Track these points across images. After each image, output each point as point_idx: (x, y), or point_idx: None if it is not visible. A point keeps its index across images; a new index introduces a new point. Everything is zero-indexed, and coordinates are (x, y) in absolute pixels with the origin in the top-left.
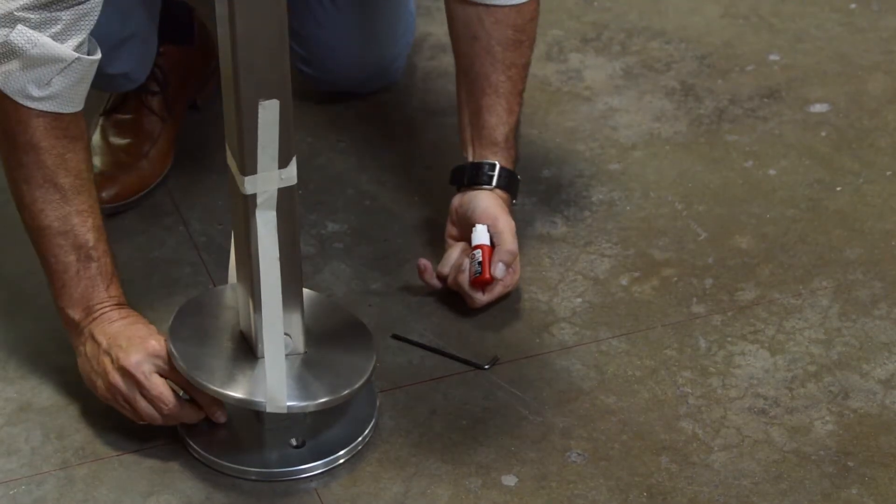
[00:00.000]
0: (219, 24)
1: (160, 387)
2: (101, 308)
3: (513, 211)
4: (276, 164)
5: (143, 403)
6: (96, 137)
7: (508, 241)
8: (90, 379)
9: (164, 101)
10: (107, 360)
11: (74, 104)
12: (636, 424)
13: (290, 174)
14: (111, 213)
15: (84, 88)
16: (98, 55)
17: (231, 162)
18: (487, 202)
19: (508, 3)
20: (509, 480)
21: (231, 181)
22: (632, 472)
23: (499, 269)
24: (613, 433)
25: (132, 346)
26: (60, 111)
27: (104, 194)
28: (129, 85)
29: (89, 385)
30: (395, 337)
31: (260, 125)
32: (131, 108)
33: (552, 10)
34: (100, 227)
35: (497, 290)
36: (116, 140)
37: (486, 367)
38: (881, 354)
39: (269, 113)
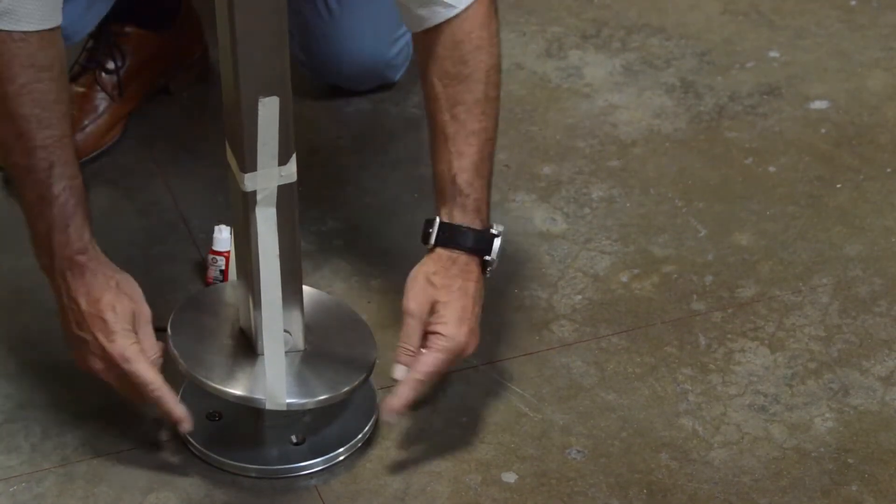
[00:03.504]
0: (218, 20)
1: (146, 373)
2: (67, 255)
3: (472, 270)
4: (276, 161)
5: (124, 385)
6: None
7: (422, 361)
8: (70, 334)
9: (117, 81)
10: (91, 337)
11: (35, 21)
12: (636, 421)
13: (290, 171)
14: None
15: (46, 3)
16: None
17: (231, 159)
18: (416, 274)
19: (436, 21)
20: (509, 477)
21: (231, 178)
22: (632, 469)
23: (398, 371)
24: (613, 430)
25: (115, 329)
26: (17, 29)
27: None
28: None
29: (68, 341)
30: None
31: (259, 122)
32: (84, 83)
33: (552, 7)
34: (67, 162)
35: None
36: None
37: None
38: (881, 351)
39: (268, 110)
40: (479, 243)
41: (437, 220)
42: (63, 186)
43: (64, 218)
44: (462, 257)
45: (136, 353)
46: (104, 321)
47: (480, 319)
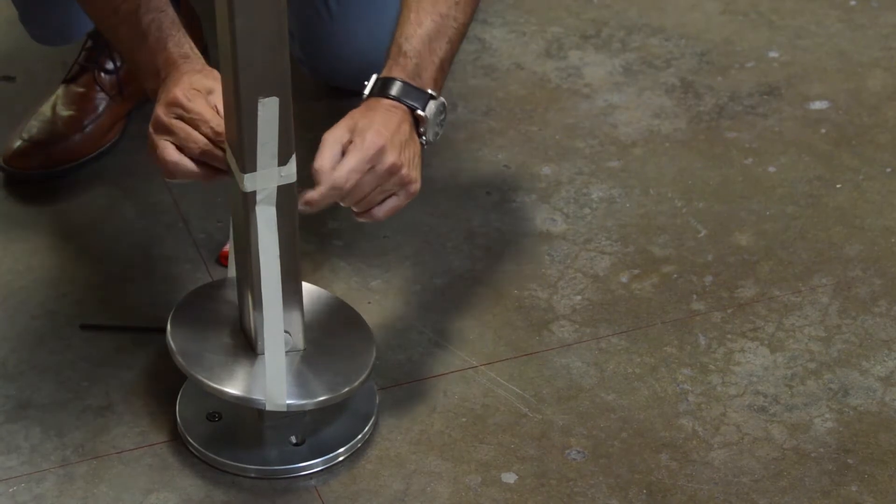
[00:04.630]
0: (218, 20)
1: (201, 106)
2: (170, 65)
3: (397, 111)
4: (276, 162)
5: (183, 132)
6: (47, 107)
7: (321, 154)
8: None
9: (116, 80)
10: (163, 94)
11: None
12: (636, 422)
13: (290, 171)
14: (35, 180)
15: None
16: None
17: (230, 159)
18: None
19: None
20: (509, 478)
21: (230, 178)
22: (631, 470)
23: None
24: (613, 430)
25: (185, 83)
26: None
27: (29, 160)
28: (59, 41)
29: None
30: (84, 327)
31: (259, 122)
32: (84, 83)
33: (552, 7)
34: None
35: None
36: (62, 111)
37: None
38: (881, 351)
39: (268, 110)
40: (408, 95)
41: (374, 76)
42: (151, 18)
43: (161, 41)
44: (386, 101)
45: (197, 94)
46: (180, 80)
47: (480, 320)
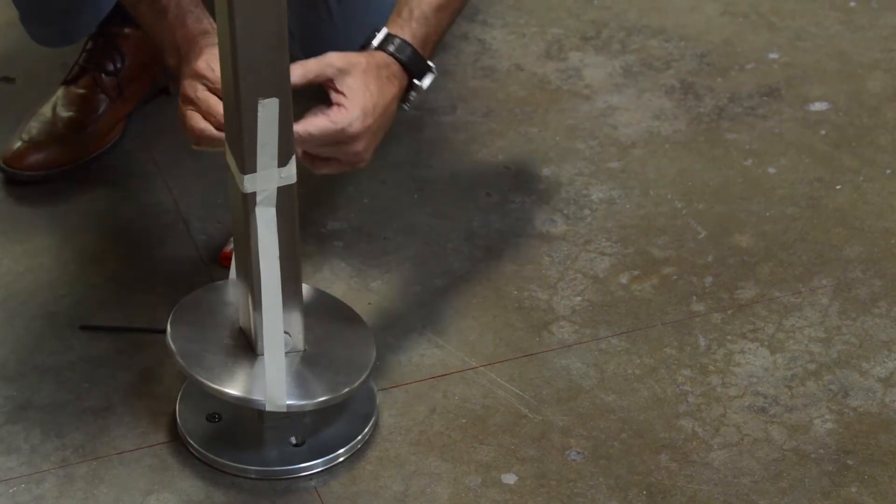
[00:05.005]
0: (218, 20)
1: (208, 101)
2: (190, 41)
3: (396, 82)
4: (276, 163)
5: (205, 102)
6: (47, 108)
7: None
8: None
9: (117, 82)
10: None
11: None
12: (636, 423)
13: (290, 172)
14: (35, 180)
15: None
16: None
17: (230, 160)
18: (350, 54)
19: None
20: (509, 479)
21: (230, 179)
22: (631, 471)
23: (295, 73)
24: (613, 431)
25: (197, 55)
26: None
27: (29, 161)
28: (60, 43)
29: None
30: (84, 328)
31: (259, 123)
32: (84, 84)
33: (552, 8)
34: None
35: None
36: (62, 112)
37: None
38: (881, 353)
39: (268, 111)
40: (414, 63)
41: (385, 29)
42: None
43: (180, 18)
44: (395, 67)
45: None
46: (202, 52)
47: (479, 321)
